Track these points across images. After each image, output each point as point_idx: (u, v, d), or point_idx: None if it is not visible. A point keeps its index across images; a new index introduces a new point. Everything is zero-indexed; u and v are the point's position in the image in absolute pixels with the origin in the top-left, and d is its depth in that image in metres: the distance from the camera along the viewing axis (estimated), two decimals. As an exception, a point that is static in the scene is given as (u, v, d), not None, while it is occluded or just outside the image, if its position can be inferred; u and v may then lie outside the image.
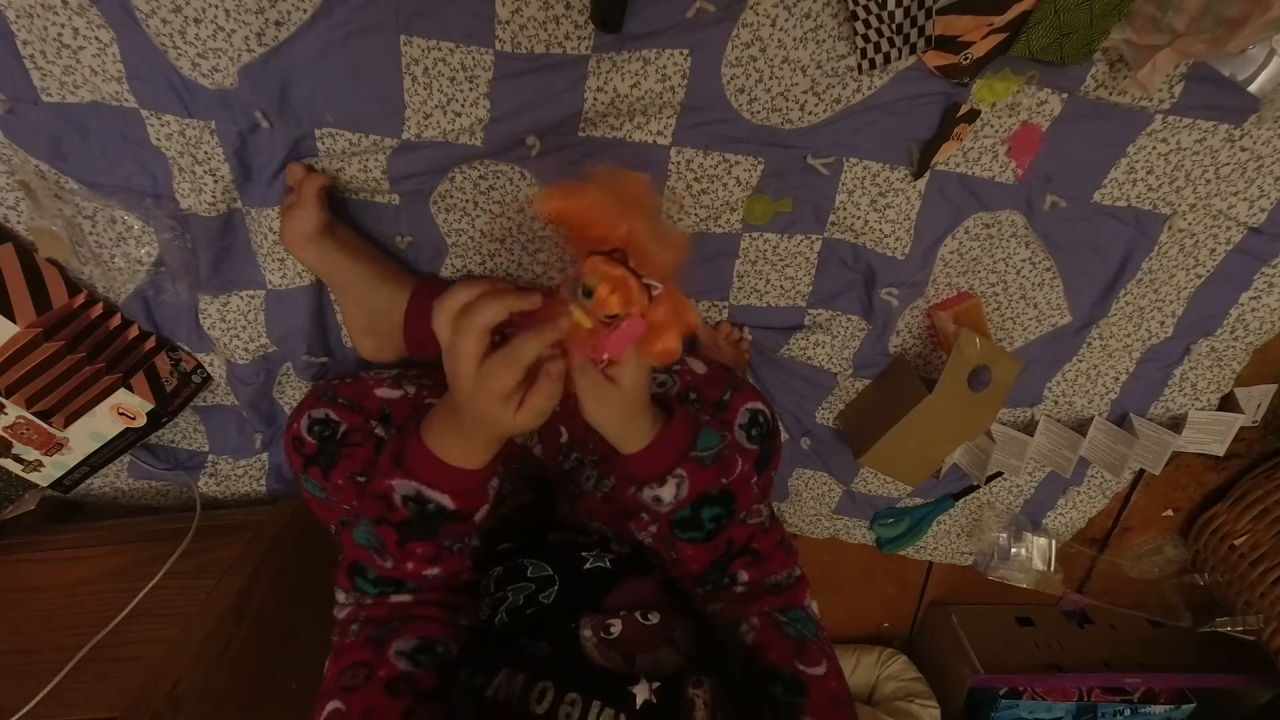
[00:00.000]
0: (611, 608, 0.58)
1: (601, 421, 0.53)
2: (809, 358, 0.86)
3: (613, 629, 0.55)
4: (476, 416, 0.50)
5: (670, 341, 0.50)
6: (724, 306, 0.83)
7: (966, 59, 0.65)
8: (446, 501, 0.53)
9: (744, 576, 0.58)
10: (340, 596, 0.57)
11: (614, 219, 0.47)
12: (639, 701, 0.49)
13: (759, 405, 0.69)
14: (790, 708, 0.51)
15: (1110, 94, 0.70)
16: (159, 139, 0.64)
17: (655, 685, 0.49)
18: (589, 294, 0.47)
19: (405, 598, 0.56)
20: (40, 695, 0.63)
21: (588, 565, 0.63)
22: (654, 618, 0.56)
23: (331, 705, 0.50)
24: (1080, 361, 0.91)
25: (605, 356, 0.49)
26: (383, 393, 0.69)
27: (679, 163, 0.72)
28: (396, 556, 0.54)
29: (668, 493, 0.55)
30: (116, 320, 0.75)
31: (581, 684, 0.50)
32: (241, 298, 0.75)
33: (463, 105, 0.66)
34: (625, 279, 0.47)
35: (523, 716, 0.48)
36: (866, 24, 0.63)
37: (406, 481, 0.53)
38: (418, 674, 0.52)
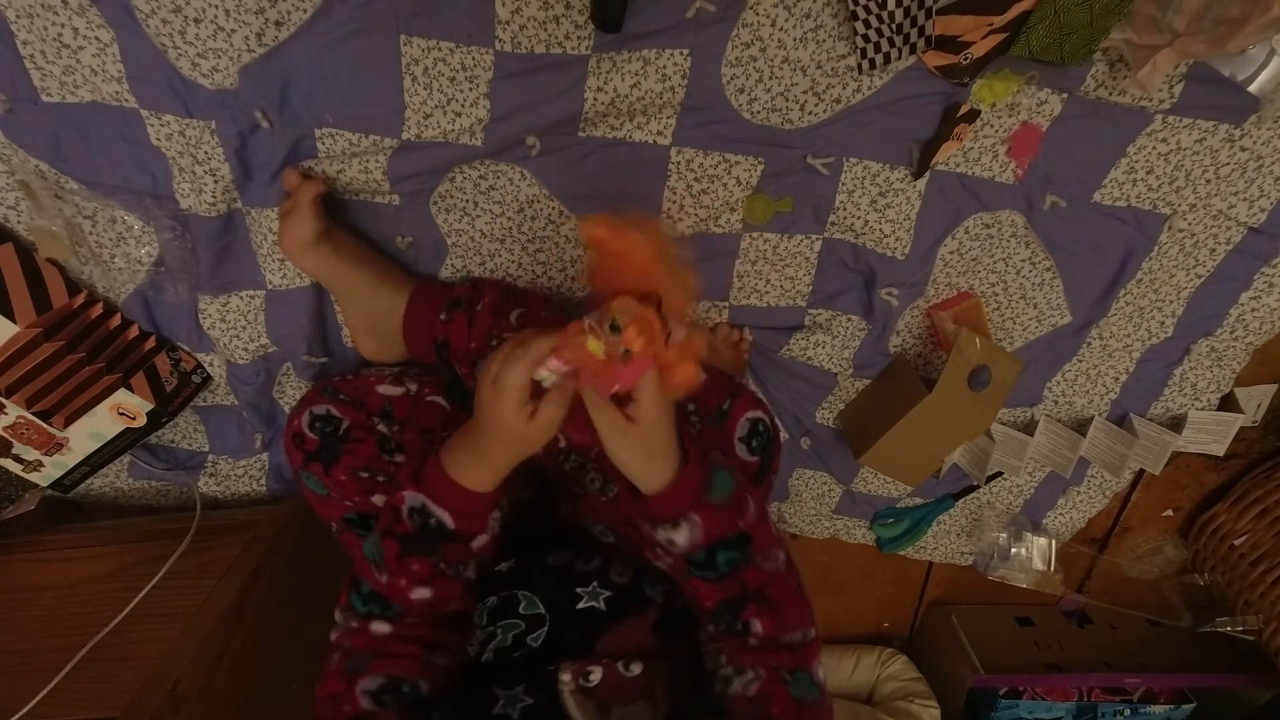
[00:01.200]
0: (599, 653, 0.57)
1: (624, 461, 0.53)
2: (809, 358, 0.86)
3: (592, 677, 0.54)
4: (493, 425, 0.52)
5: (687, 369, 0.52)
6: (724, 307, 0.83)
7: (966, 59, 0.65)
8: (447, 519, 0.55)
9: (758, 627, 0.56)
10: (337, 616, 0.58)
11: (652, 265, 0.50)
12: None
13: (759, 414, 0.69)
14: None
15: (1110, 94, 0.70)
16: (159, 139, 0.64)
17: None
18: (616, 329, 0.49)
19: (384, 628, 0.55)
20: (40, 695, 0.63)
21: (581, 605, 0.62)
22: (636, 669, 0.55)
23: None
24: (1080, 361, 0.91)
25: (616, 388, 0.50)
26: (384, 389, 0.69)
27: (679, 163, 0.72)
28: (393, 571, 0.55)
29: (681, 536, 0.54)
30: (116, 320, 0.75)
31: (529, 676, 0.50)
32: (241, 298, 0.75)
33: (463, 105, 0.66)
34: (653, 323, 0.49)
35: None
36: (866, 24, 0.63)
37: (416, 494, 0.55)
38: (379, 714, 0.52)
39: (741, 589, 0.56)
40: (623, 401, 0.51)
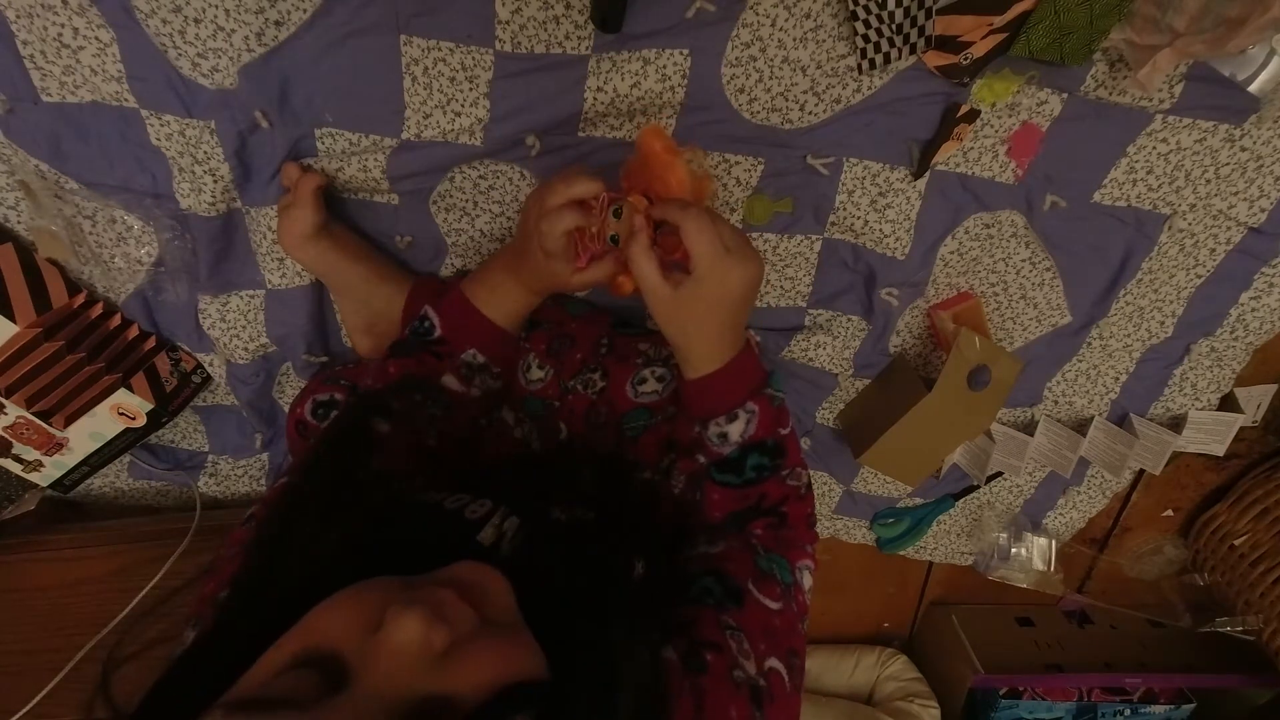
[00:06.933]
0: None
1: (661, 324, 0.53)
2: (810, 359, 0.86)
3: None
4: (529, 243, 0.55)
5: (626, 282, 0.58)
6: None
7: (966, 59, 0.65)
8: (437, 323, 0.59)
9: (757, 533, 0.54)
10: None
11: (676, 189, 0.55)
12: (552, 518, 0.47)
13: None
14: (718, 605, 0.45)
15: (1110, 94, 0.70)
16: (159, 139, 0.64)
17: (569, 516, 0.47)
18: (618, 215, 0.55)
19: (384, 426, 0.54)
20: (40, 695, 0.63)
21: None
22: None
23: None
24: (1080, 361, 0.91)
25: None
26: None
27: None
28: (376, 372, 0.59)
29: (736, 429, 0.52)
30: (116, 320, 0.75)
31: (498, 495, 0.47)
32: (241, 297, 0.75)
33: (463, 105, 0.66)
34: (644, 229, 0.54)
35: (433, 510, 0.46)
36: (866, 24, 0.63)
37: (427, 309, 0.60)
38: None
39: (759, 500, 0.54)
40: (675, 267, 0.52)
